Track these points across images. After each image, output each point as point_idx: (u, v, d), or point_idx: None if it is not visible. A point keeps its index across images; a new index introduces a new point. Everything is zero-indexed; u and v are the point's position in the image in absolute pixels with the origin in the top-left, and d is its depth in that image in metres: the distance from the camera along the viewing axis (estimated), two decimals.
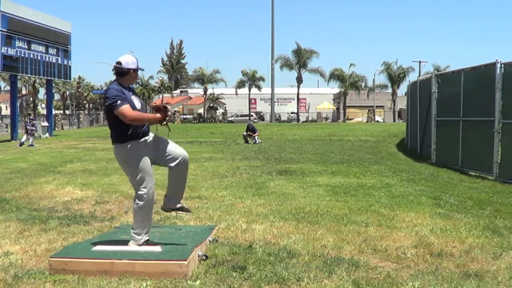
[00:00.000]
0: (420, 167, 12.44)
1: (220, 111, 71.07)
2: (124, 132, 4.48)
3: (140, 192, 4.51)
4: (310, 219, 6.26)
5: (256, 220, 6.26)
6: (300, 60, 61.55)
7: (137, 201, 4.52)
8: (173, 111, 62.21)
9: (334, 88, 70.03)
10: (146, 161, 4.54)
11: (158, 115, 4.58)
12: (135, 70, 4.63)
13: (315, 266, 4.39)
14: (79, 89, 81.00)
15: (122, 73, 4.56)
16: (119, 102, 4.38)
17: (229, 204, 7.37)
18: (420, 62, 63.16)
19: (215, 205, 7.24)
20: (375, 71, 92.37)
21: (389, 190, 8.64)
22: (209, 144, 21.02)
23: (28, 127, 23.61)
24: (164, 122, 4.64)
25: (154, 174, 4.68)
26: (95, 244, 4.70)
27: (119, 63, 4.55)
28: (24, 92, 73.88)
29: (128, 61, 4.57)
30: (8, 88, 48.42)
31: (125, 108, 4.38)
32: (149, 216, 4.61)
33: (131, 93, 4.60)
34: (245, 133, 22.42)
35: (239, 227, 5.88)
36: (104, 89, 77.59)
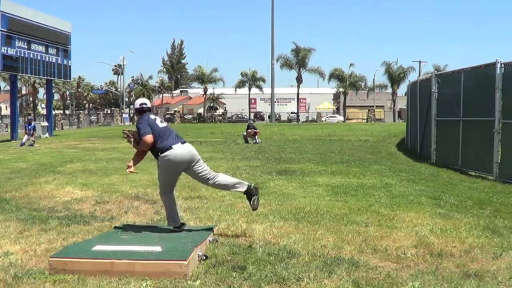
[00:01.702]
0: (420, 167, 12.43)
1: (220, 111, 71.08)
2: None
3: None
4: (310, 219, 6.26)
5: (256, 220, 6.26)
6: (299, 58, 61.55)
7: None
8: (173, 111, 62.10)
9: (334, 88, 70.15)
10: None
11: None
12: None
13: (315, 266, 4.39)
14: (79, 89, 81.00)
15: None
16: None
17: (229, 204, 7.37)
18: (420, 62, 63.38)
19: (215, 205, 7.24)
20: (375, 71, 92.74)
21: (389, 190, 8.64)
22: (209, 144, 21.01)
23: (26, 127, 23.61)
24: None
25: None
26: (95, 244, 4.70)
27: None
28: (24, 92, 73.81)
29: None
30: (8, 88, 48.42)
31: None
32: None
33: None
34: (245, 133, 22.41)
35: (239, 227, 5.88)
36: (104, 89, 77.66)
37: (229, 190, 5.87)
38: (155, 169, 5.73)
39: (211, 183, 5.58)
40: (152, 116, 5.64)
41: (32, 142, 22.36)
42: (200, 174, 5.50)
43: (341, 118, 64.50)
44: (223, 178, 5.64)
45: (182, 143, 5.49)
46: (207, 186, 9.04)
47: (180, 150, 5.42)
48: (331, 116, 65.63)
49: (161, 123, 5.57)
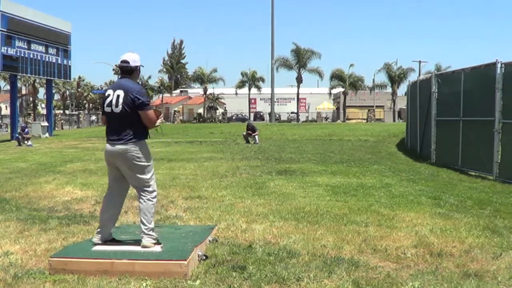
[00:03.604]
0: (420, 167, 12.43)
1: (220, 111, 71.06)
2: (142, 131, 4.60)
3: (152, 189, 4.63)
4: (310, 219, 6.26)
5: (256, 220, 6.26)
6: (300, 60, 61.58)
7: (151, 197, 4.60)
8: (172, 111, 62.17)
9: (334, 88, 70.10)
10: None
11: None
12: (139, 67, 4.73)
13: (315, 266, 4.39)
14: (79, 89, 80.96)
15: (131, 71, 4.65)
16: (149, 105, 4.55)
17: (229, 204, 7.37)
18: (420, 62, 63.38)
19: (215, 205, 7.24)
20: (375, 71, 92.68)
21: (389, 190, 8.64)
22: (209, 144, 21.01)
23: (24, 136, 23.49)
24: (158, 124, 4.68)
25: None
26: (95, 244, 4.70)
27: (126, 61, 4.61)
28: (24, 92, 73.73)
29: (135, 59, 4.66)
30: (8, 88, 48.39)
31: (151, 113, 4.56)
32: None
33: None
34: (245, 132, 22.41)
35: (239, 227, 5.88)
36: (104, 89, 77.81)
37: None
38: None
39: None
40: None
41: (31, 142, 22.40)
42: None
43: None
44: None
45: None
46: (207, 186, 9.11)
47: None
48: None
49: None
